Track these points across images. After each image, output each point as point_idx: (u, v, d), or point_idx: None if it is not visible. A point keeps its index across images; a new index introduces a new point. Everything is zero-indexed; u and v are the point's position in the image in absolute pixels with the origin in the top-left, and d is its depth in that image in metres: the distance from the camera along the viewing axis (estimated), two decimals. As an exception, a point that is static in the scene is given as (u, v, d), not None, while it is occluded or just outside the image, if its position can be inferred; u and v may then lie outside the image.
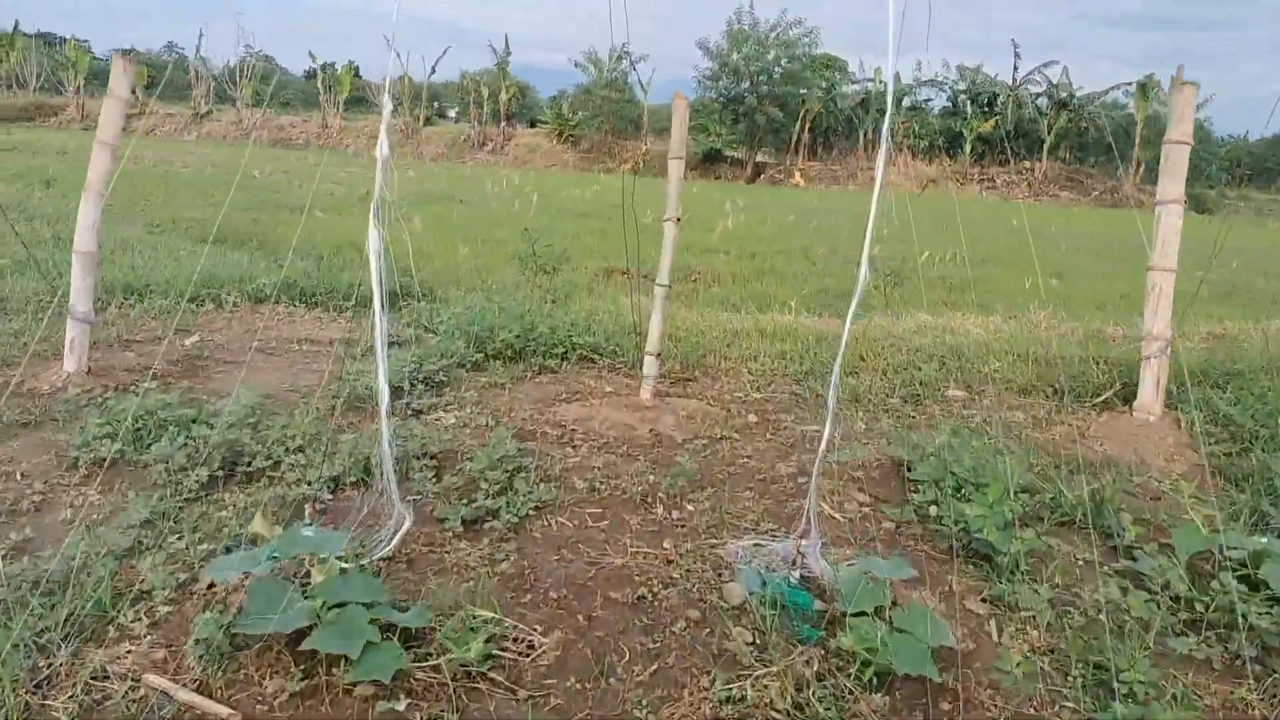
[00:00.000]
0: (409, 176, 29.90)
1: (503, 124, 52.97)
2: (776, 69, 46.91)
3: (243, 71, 53.41)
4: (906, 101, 53.36)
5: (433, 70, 56.12)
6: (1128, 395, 4.85)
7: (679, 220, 4.61)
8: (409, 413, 4.65)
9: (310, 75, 56.47)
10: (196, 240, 11.38)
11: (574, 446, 4.19)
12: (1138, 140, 48.91)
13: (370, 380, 4.86)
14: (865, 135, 50.44)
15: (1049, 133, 49.53)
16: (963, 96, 54.54)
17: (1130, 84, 50.55)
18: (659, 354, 4.69)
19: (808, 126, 48.99)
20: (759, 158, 49.43)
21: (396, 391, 4.76)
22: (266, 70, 63.08)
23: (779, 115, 46.48)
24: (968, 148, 50.17)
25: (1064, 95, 51.38)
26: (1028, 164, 50.34)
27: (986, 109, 53.04)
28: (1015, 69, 52.92)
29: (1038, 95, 52.63)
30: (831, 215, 26.10)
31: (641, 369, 4.75)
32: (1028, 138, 51.80)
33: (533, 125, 57.60)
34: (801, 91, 46.91)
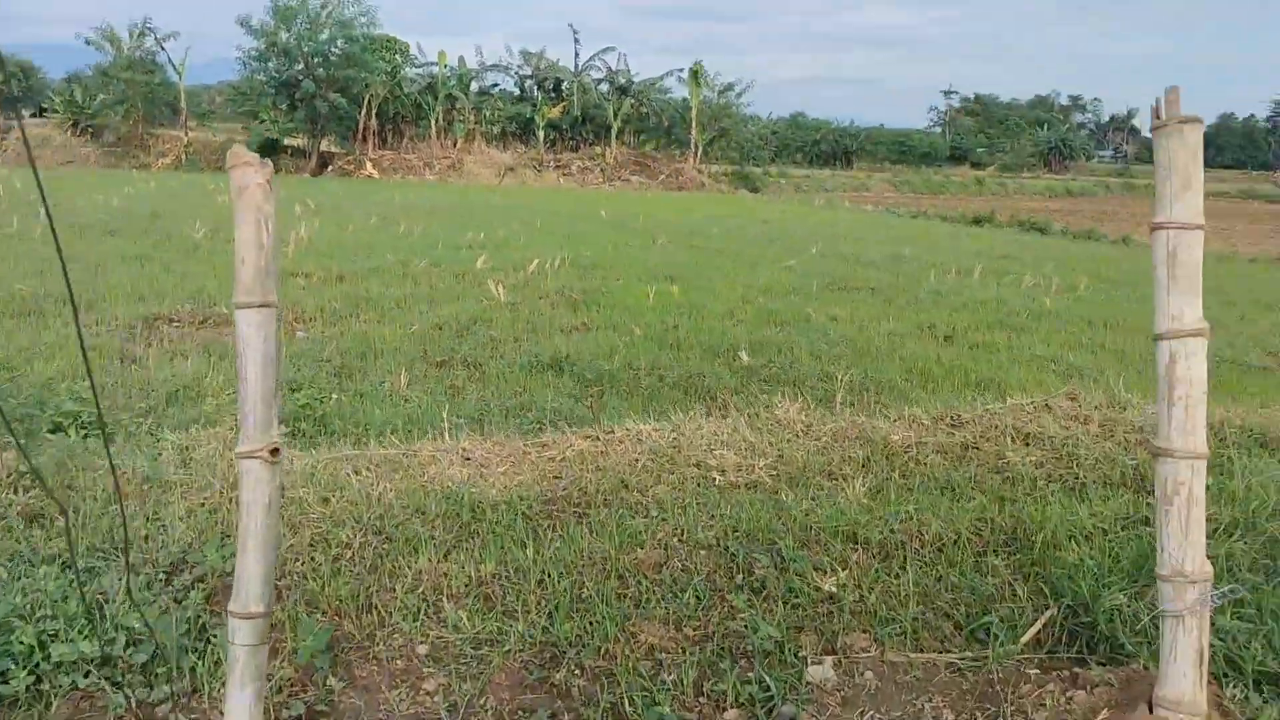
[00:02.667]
0: None
1: (-5, 112, 43.58)
2: (333, 50, 42.78)
3: None
4: (474, 86, 51.62)
5: (-113, 44, 44.67)
6: (1075, 632, 2.89)
7: (276, 453, 1.83)
8: None
9: None
10: None
11: None
12: (694, 124, 51.19)
13: None
14: (436, 122, 47.94)
15: (614, 118, 50.30)
16: (529, 82, 53.94)
17: (683, 70, 52.86)
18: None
19: (374, 113, 45.43)
20: (324, 147, 45.05)
21: None
22: None
23: (341, 101, 42.45)
24: (541, 134, 49.53)
25: (623, 81, 52.49)
26: (599, 149, 50.83)
27: (554, 94, 52.85)
28: (577, 55, 53.22)
29: (599, 81, 53.38)
30: (419, 214, 23.28)
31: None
32: (595, 123, 52.38)
33: (40, 114, 48.30)
34: (364, 75, 43.21)
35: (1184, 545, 2.40)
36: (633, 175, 47.11)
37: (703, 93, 51.61)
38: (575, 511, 3.85)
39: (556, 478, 4.32)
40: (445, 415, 5.70)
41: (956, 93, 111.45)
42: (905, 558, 3.31)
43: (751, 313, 11.99)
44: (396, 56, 49.30)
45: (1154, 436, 2.45)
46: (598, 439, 4.78)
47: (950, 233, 25.52)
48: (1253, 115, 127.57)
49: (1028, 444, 4.45)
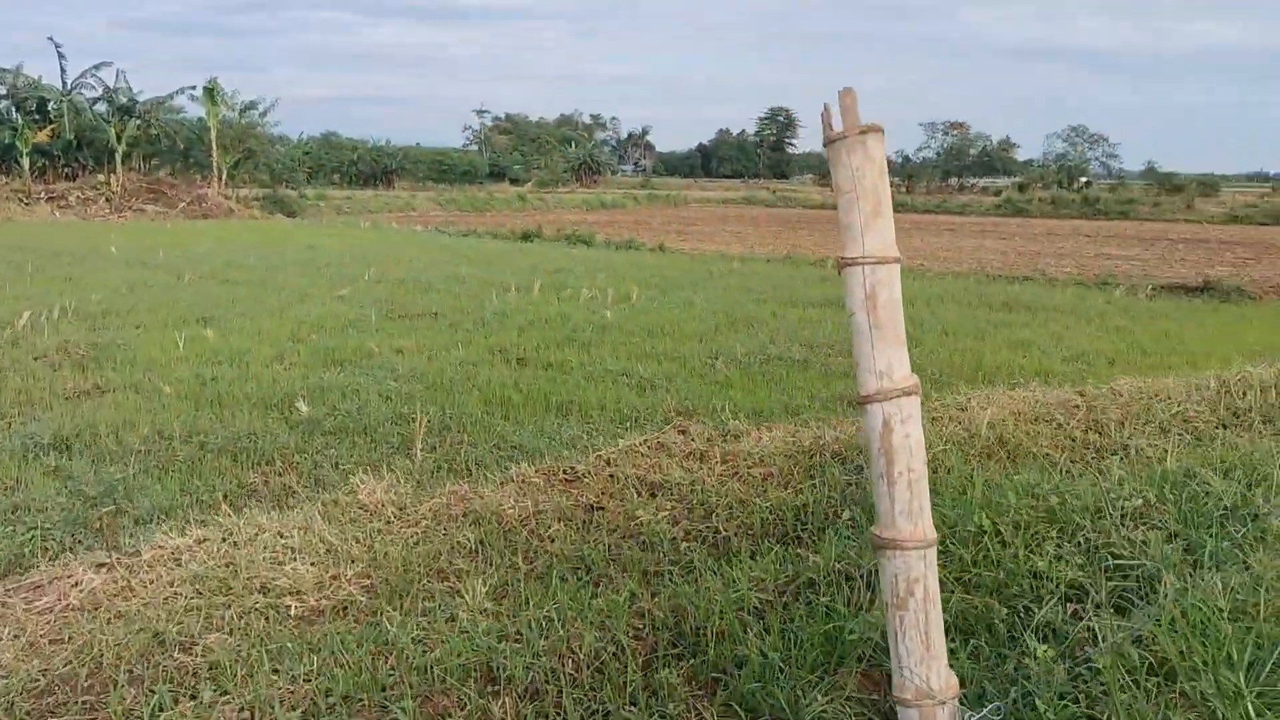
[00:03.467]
0: None
1: None
2: None
3: None
4: (-69, 107, 43.34)
5: None
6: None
7: None
8: None
9: None
10: None
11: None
12: (215, 145, 47.09)
13: None
14: None
15: (119, 141, 44.80)
16: (5, 103, 46.33)
17: (195, 88, 48.25)
18: None
19: None
20: None
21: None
22: None
23: None
24: (25, 162, 42.75)
25: (125, 100, 46.95)
26: (102, 177, 44.97)
27: (39, 117, 45.86)
28: (64, 72, 46.64)
29: (95, 100, 47.26)
30: None
31: None
32: (95, 147, 46.29)
33: None
34: None
35: (926, 658, 1.90)
36: (147, 204, 42.17)
37: (221, 112, 47.64)
38: (85, 703, 2.63)
39: (56, 641, 3.03)
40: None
41: (489, 112, 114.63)
42: (560, 692, 2.56)
43: (305, 353, 10.73)
44: None
45: (876, 525, 1.92)
46: (116, 567, 3.50)
47: (503, 250, 25.55)
48: (744, 130, 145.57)
49: (654, 495, 3.93)
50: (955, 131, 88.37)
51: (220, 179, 47.43)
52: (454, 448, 7.19)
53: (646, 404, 8.52)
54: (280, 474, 6.73)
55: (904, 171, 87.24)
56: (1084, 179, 77.27)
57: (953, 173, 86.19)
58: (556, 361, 10.50)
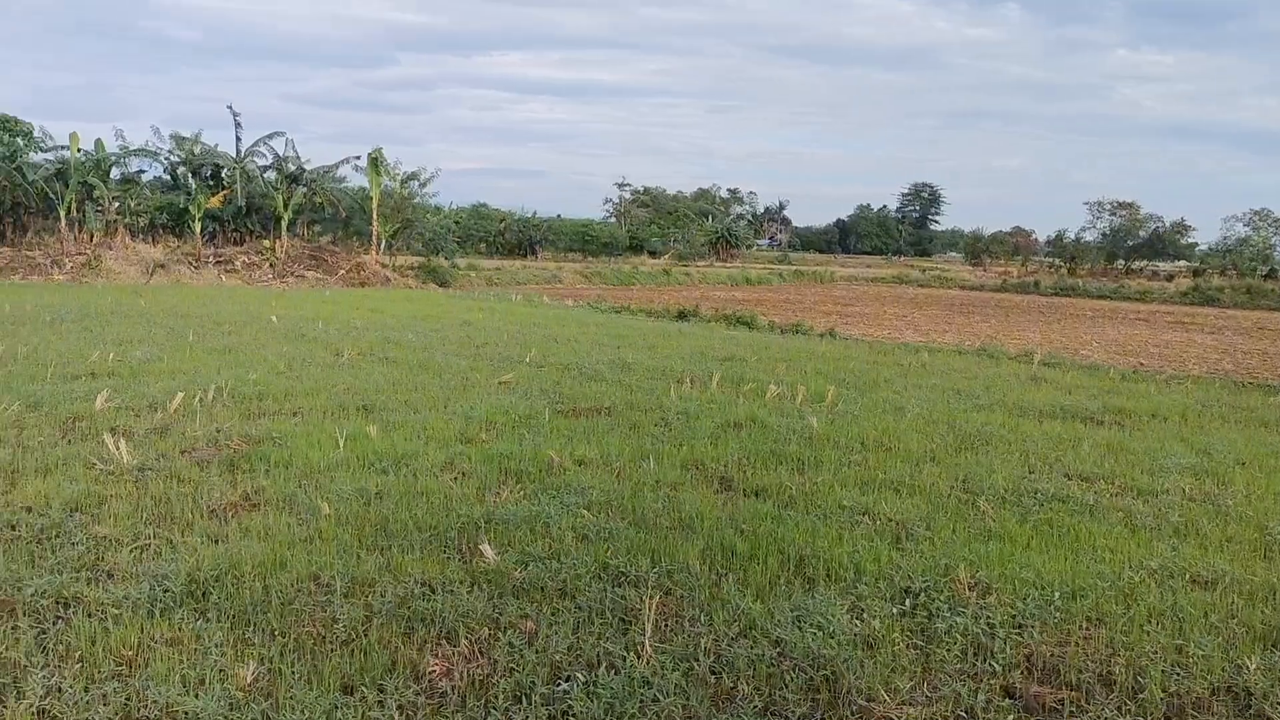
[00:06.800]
0: None
1: None
2: (-77, 128, 35.63)
3: None
4: (116, 174, 45.31)
5: None
6: None
7: None
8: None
9: None
10: None
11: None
12: (375, 214, 47.77)
13: None
14: (68, 213, 41.22)
15: (285, 208, 45.86)
16: (182, 169, 48.29)
17: (359, 157, 49.19)
18: None
19: (-15, 203, 38.24)
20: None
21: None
22: None
23: (-63, 189, 35.26)
24: (197, 226, 44.08)
25: (294, 168, 48.20)
26: (267, 242, 46.05)
27: (212, 182, 47.56)
28: (238, 140, 48.31)
29: (266, 168, 48.71)
30: (32, 327, 18.13)
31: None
32: (262, 213, 47.58)
33: None
34: (-32, 159, 36.26)
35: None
36: (308, 270, 42.77)
37: (384, 181, 48.43)
38: None
39: None
40: None
41: (629, 185, 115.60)
42: None
43: (477, 459, 9.24)
44: (18, 140, 42.39)
45: None
46: None
47: (661, 331, 24.03)
48: (885, 206, 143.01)
49: None
50: (1123, 212, 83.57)
51: (378, 247, 48.01)
52: (688, 635, 5.47)
53: (914, 566, 6.62)
54: (468, 659, 5.15)
55: (1066, 253, 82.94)
56: (1267, 267, 71.54)
57: (1118, 254, 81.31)
58: (769, 486, 8.70)
